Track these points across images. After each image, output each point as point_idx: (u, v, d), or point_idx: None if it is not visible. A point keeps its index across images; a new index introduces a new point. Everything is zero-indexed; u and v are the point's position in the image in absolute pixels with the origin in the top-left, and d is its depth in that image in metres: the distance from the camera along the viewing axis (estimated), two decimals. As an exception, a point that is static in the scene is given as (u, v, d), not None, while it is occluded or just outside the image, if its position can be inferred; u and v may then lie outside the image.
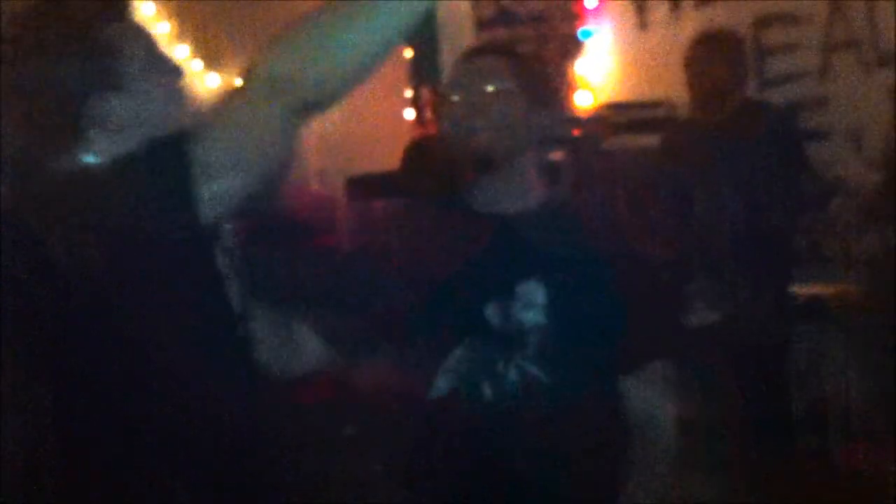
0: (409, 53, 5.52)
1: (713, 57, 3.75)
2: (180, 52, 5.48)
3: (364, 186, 4.03)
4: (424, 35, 5.47)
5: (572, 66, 5.13)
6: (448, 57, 5.47)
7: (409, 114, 5.47)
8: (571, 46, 5.13)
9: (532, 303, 1.81)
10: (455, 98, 1.90)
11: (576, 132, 4.45)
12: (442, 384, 1.85)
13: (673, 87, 4.12)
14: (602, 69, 5.08)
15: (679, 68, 3.90)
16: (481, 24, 5.53)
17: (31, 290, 1.42)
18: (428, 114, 5.28)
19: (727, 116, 3.74)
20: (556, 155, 2.27)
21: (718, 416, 3.75)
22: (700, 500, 3.55)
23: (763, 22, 4.52)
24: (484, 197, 1.90)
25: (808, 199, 3.86)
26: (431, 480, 1.90)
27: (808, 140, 3.99)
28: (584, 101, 5.06)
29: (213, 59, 5.58)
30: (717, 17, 4.63)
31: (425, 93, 5.37)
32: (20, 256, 1.43)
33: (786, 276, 3.83)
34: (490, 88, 1.86)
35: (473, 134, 1.85)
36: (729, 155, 3.66)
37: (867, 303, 3.78)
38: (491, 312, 1.83)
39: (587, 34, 5.10)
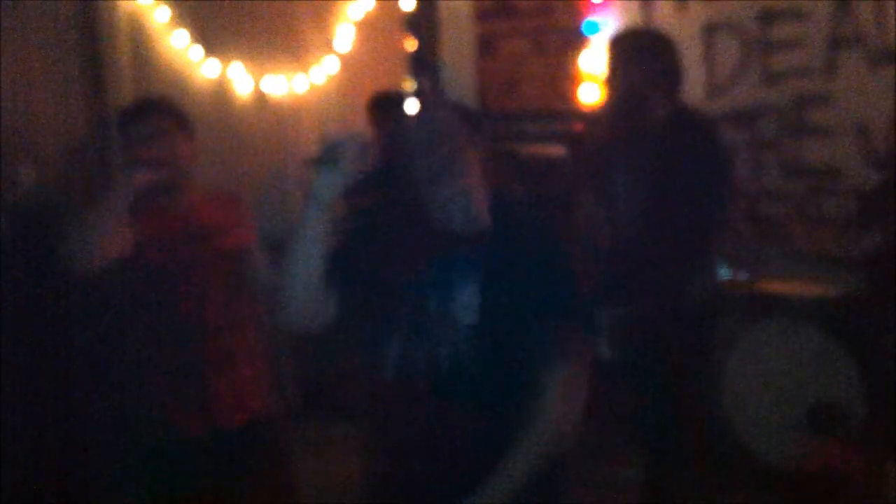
0: (411, 46, 5.49)
1: (631, 56, 3.48)
2: (180, 39, 5.45)
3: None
4: (426, 28, 5.45)
5: (575, 59, 5.11)
6: (449, 48, 5.45)
7: (412, 106, 5.44)
8: (574, 40, 5.11)
9: (468, 303, 2.19)
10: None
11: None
12: (389, 368, 2.22)
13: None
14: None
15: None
16: (482, 17, 5.50)
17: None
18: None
19: (654, 126, 3.47)
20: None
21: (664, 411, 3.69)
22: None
23: (768, 17, 4.49)
24: (434, 212, 2.24)
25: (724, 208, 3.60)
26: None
27: (729, 152, 3.72)
28: (589, 95, 5.04)
29: (212, 46, 5.54)
30: (722, 11, 4.60)
31: (427, 85, 5.35)
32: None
33: (701, 281, 3.58)
34: (428, 133, 2.25)
35: (414, 161, 2.26)
36: (652, 160, 3.44)
37: (866, 302, 3.76)
38: (434, 309, 2.21)
39: (593, 28, 5.06)
